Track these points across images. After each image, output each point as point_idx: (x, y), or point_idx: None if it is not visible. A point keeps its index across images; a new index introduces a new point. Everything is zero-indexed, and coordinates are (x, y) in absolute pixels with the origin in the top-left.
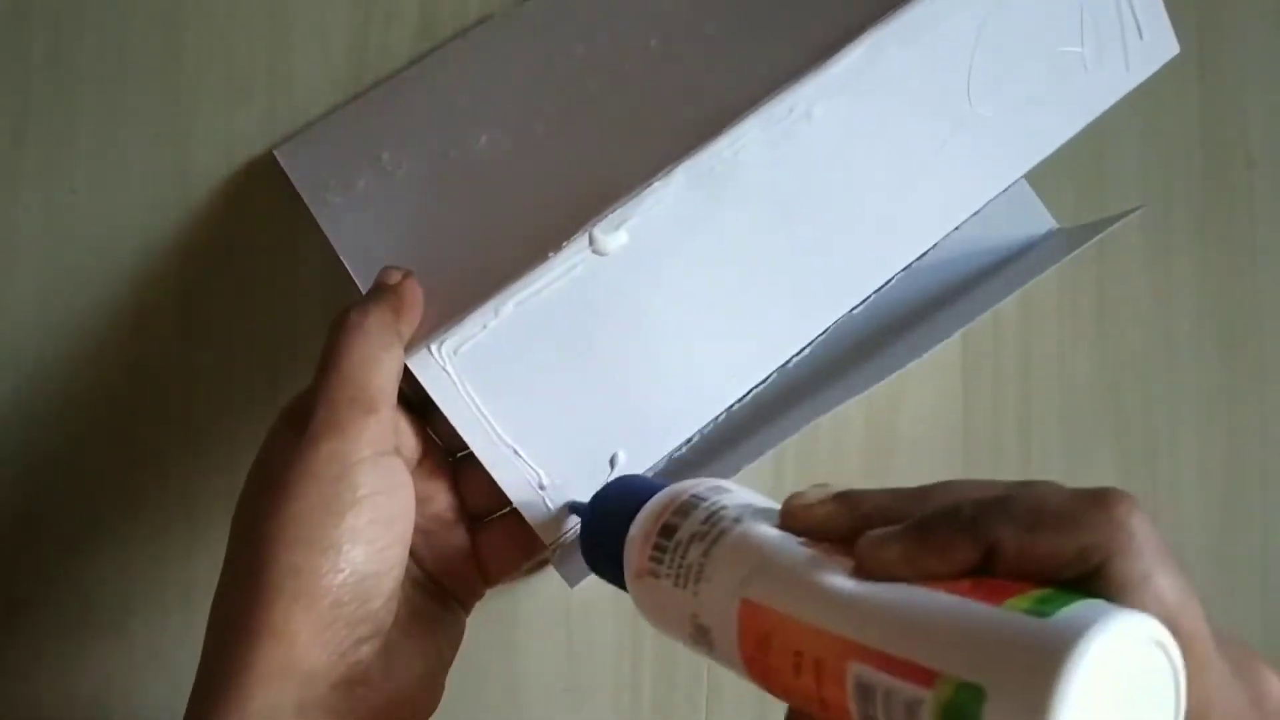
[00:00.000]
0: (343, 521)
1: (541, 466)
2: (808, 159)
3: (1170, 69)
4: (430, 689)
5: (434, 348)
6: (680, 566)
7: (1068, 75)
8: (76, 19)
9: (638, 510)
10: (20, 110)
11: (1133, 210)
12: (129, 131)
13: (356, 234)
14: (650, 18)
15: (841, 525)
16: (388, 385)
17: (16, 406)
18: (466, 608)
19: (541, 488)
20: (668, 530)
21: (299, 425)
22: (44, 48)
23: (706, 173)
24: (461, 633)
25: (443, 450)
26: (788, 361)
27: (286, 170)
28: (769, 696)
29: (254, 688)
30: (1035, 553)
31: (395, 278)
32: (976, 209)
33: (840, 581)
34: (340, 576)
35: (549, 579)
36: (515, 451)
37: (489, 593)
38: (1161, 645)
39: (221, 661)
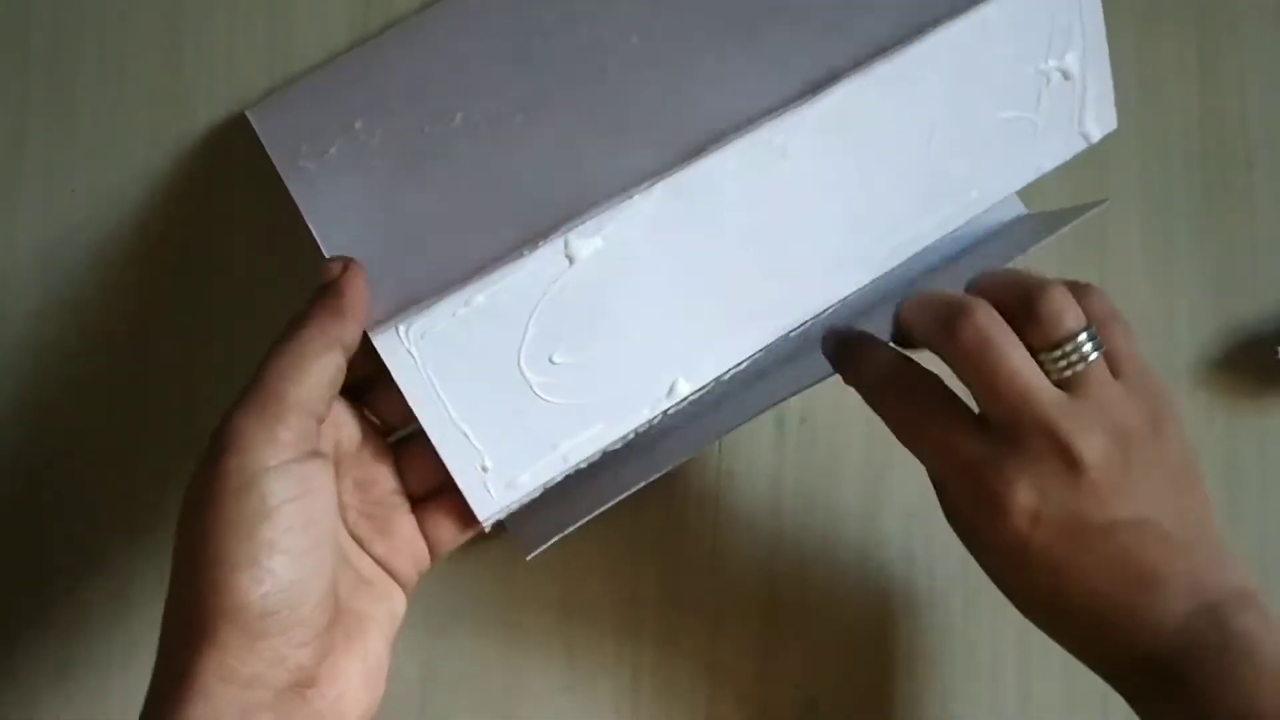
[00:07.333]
0: (256, 535)
1: (486, 449)
2: (778, 188)
3: (1170, 69)
4: (373, 685)
5: (401, 330)
6: None
7: (1019, 138)
8: (76, 18)
9: None
10: (20, 110)
11: (1100, 203)
12: (129, 130)
13: (327, 202)
14: (632, 14)
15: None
16: (308, 393)
17: (17, 406)
18: (407, 588)
19: (484, 469)
20: None
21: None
22: (44, 47)
23: (683, 192)
24: (399, 619)
25: (383, 433)
26: (735, 367)
27: (258, 131)
28: (769, 699)
29: (196, 694)
30: None
31: (335, 271)
32: (925, 245)
33: None
34: (262, 588)
35: (548, 580)
36: (465, 434)
37: (489, 594)
38: None
39: (168, 669)
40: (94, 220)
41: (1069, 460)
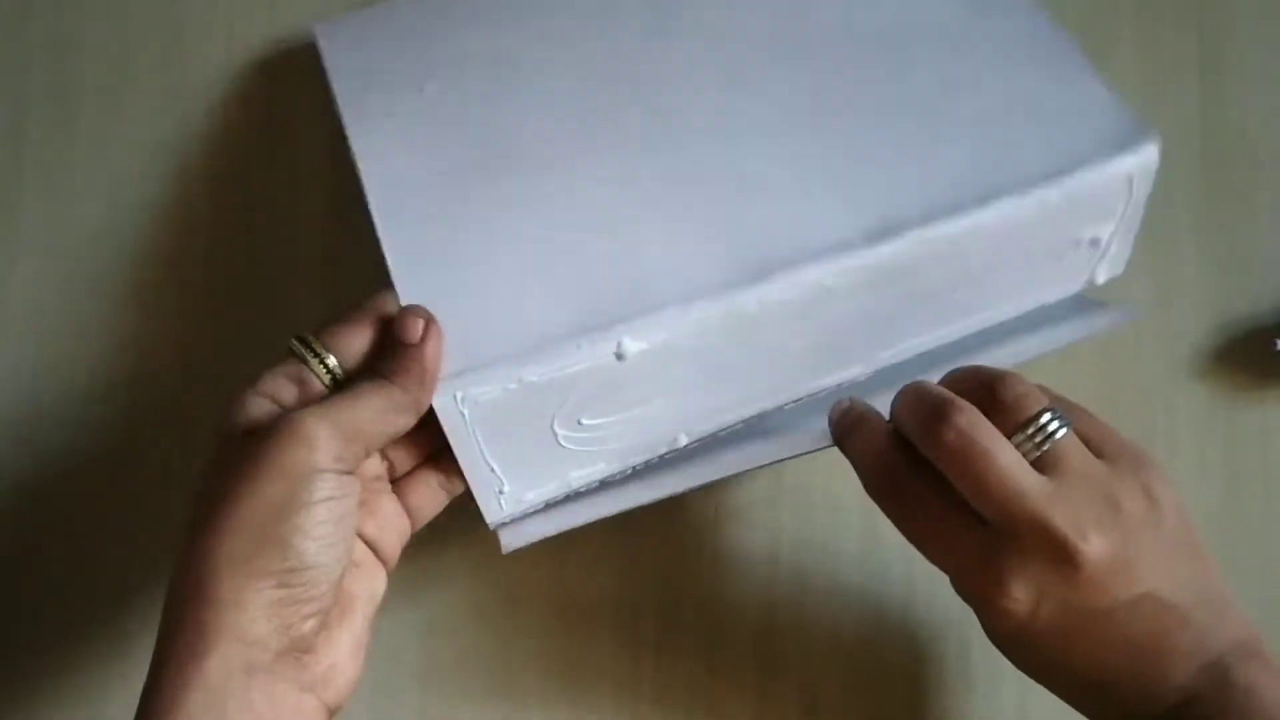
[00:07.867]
0: (294, 518)
1: (506, 478)
2: (816, 317)
3: (1170, 69)
4: (357, 659)
5: (458, 395)
6: None
7: (1034, 282)
8: (76, 17)
9: None
10: (20, 110)
11: (1130, 316)
12: (129, 129)
13: (387, 162)
14: (719, 71)
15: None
16: (376, 434)
17: (18, 404)
18: (390, 564)
19: (501, 492)
20: None
21: (263, 432)
22: (44, 47)
23: (732, 313)
24: (379, 598)
25: None
26: (733, 426)
27: (323, 53)
28: (768, 700)
29: (210, 647)
30: None
31: (417, 334)
32: (921, 353)
33: None
34: (287, 563)
35: (549, 583)
36: (492, 468)
37: (489, 597)
38: None
39: (179, 627)
40: (94, 217)
41: (1065, 555)
